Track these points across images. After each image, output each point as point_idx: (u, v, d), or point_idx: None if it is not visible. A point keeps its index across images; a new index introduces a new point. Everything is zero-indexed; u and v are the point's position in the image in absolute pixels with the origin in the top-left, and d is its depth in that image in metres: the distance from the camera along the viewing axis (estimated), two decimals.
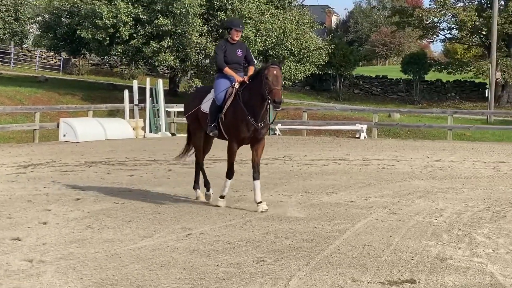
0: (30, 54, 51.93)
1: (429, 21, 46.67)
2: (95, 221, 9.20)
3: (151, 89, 27.24)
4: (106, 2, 32.22)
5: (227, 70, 10.43)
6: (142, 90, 28.05)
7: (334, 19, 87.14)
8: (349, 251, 7.66)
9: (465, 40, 47.04)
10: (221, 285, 6.34)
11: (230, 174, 10.43)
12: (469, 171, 15.91)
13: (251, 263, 7.08)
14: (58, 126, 24.14)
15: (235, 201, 10.91)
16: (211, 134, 10.49)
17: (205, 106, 10.57)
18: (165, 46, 32.06)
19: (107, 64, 51.94)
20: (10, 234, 8.35)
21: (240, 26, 10.71)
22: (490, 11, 39.70)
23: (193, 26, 31.39)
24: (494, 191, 12.66)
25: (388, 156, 19.09)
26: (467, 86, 48.22)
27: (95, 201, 10.83)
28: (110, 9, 31.80)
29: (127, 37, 32.30)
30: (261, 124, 10.01)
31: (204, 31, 32.54)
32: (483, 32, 44.31)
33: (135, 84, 28.21)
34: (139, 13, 32.21)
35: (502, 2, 43.02)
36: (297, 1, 38.57)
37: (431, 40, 58.42)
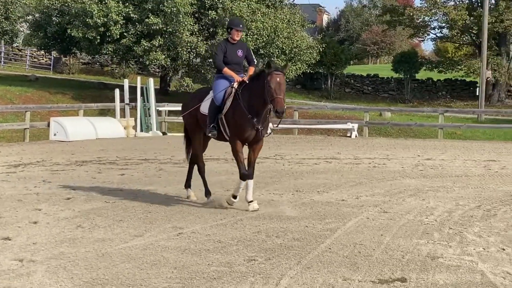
0: (20, 53, 51.68)
1: (420, 20, 46.75)
2: (86, 221, 9.18)
3: (142, 88, 27.17)
4: (96, 1, 32.11)
5: (226, 70, 10.33)
6: (133, 89, 27.98)
7: (325, 18, 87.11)
8: (340, 250, 7.67)
9: (456, 39, 47.11)
10: (212, 284, 6.33)
11: (244, 174, 10.02)
12: (460, 169, 15.97)
13: (242, 262, 7.08)
14: (48, 125, 24.05)
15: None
16: (210, 135, 10.37)
17: (204, 107, 10.43)
18: (156, 45, 31.98)
19: (97, 63, 51.75)
20: (0, 233, 8.31)
21: (241, 26, 10.62)
22: (481, 10, 39.79)
23: (184, 25, 31.32)
24: (484, 189, 12.71)
25: (379, 155, 19.13)
26: (458, 84, 48.29)
27: (85, 201, 10.80)
28: (101, 8, 31.71)
29: (118, 36, 32.20)
30: (261, 127, 9.92)
31: (195, 30, 32.48)
32: (473, 31, 44.37)
33: (126, 83, 28.13)
34: (130, 12, 32.12)
35: (493, 1, 43.09)
36: (288, 0, 38.53)
37: (422, 39, 58.62)
